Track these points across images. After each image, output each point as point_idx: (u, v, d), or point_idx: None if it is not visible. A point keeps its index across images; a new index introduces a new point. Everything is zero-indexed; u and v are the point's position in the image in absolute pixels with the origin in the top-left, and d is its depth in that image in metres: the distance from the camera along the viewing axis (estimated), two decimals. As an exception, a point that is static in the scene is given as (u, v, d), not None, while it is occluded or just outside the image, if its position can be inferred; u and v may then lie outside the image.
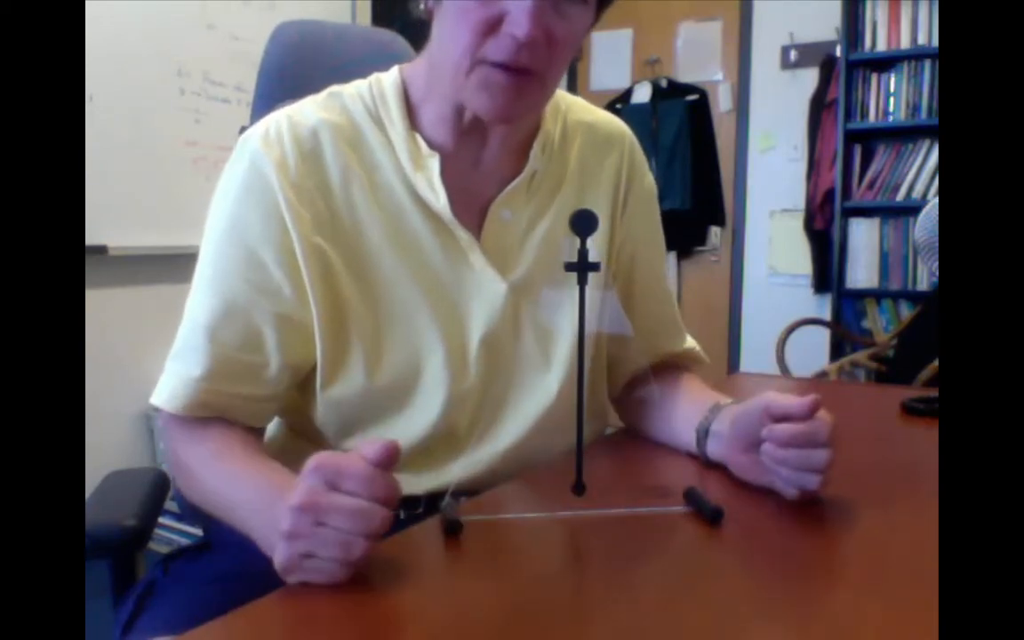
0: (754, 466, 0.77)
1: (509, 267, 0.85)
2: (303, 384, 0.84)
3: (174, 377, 0.79)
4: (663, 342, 0.99)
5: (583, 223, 0.66)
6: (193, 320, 0.79)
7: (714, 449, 0.84)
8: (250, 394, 0.80)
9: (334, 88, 0.86)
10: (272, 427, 0.89)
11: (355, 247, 0.80)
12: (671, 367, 0.99)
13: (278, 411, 0.86)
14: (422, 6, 0.78)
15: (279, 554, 0.58)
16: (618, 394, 1.01)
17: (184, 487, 0.80)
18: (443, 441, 0.83)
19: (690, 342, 1.02)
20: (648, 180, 0.97)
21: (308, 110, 0.82)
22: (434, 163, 0.81)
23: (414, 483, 0.82)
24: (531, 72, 0.74)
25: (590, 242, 0.66)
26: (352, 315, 0.80)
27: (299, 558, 0.57)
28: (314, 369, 0.81)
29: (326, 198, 0.80)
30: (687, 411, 0.89)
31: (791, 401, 0.72)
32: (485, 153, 0.85)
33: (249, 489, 0.70)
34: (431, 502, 0.81)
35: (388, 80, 0.85)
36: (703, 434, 0.85)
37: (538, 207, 0.88)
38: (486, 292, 0.83)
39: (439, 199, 0.81)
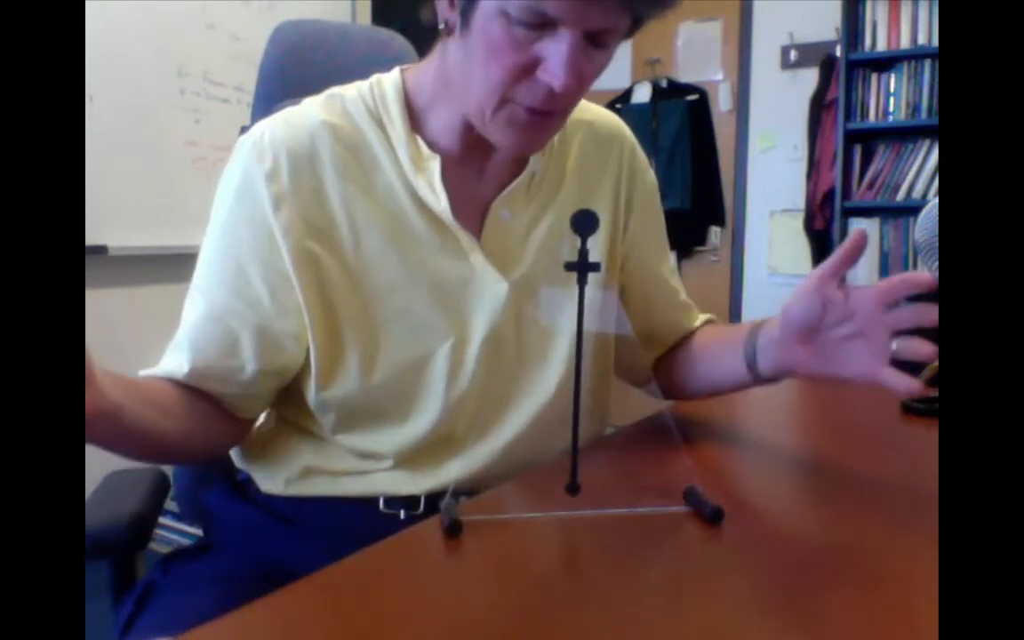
0: (815, 355, 0.76)
1: (510, 267, 0.85)
2: (295, 382, 0.84)
3: (163, 366, 0.81)
4: (685, 320, 1.01)
5: (584, 222, 0.66)
6: (184, 320, 0.82)
7: (766, 361, 0.83)
8: (225, 392, 0.81)
9: (335, 89, 0.86)
10: (263, 417, 0.89)
11: (353, 251, 0.81)
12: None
13: (263, 408, 0.86)
14: (441, 26, 0.77)
15: None
16: (643, 380, 1.03)
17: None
18: (443, 441, 0.83)
19: (704, 316, 1.04)
20: (649, 177, 0.98)
21: (308, 111, 0.83)
22: (435, 165, 0.81)
23: (413, 483, 0.82)
24: (557, 112, 0.76)
25: (591, 242, 0.66)
26: (347, 319, 0.80)
27: None
28: (304, 371, 0.82)
29: (322, 203, 0.80)
30: (726, 346, 0.90)
31: (835, 255, 0.74)
32: (490, 160, 0.85)
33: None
34: (430, 502, 0.81)
35: (389, 82, 0.85)
36: (752, 352, 0.84)
37: (539, 207, 0.88)
38: (488, 292, 0.83)
39: (440, 201, 0.81)
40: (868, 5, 3.30)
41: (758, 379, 0.85)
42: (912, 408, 1.10)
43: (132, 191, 2.51)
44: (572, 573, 0.62)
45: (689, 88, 3.87)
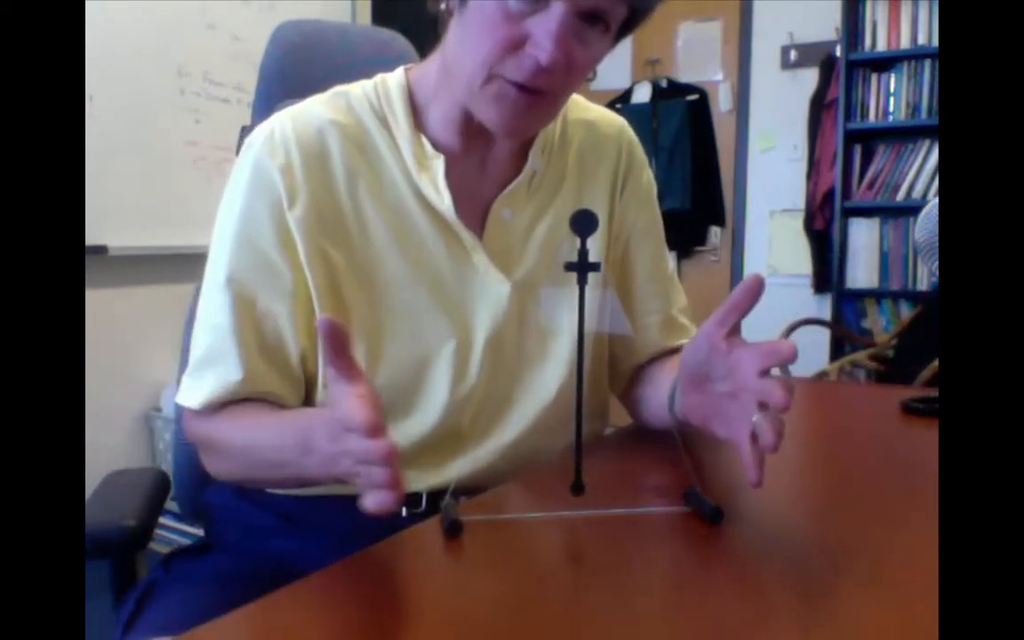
0: (702, 406, 0.71)
1: (512, 266, 0.85)
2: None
3: (212, 381, 0.79)
4: (660, 339, 0.97)
5: (583, 223, 0.66)
6: (215, 325, 0.80)
7: (678, 404, 0.78)
8: (282, 389, 0.81)
9: (339, 88, 0.86)
10: None
11: (360, 248, 0.81)
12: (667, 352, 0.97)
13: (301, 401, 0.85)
14: (443, 6, 0.78)
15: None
16: (622, 391, 1.01)
17: (220, 466, 0.81)
18: (446, 439, 0.83)
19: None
20: (646, 175, 0.97)
21: (314, 110, 0.83)
22: (439, 164, 0.82)
23: (416, 481, 0.82)
24: (545, 93, 0.75)
25: (590, 241, 0.66)
26: (355, 316, 0.80)
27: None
28: (312, 367, 0.82)
29: (332, 199, 0.81)
30: (666, 378, 0.86)
31: (730, 297, 0.66)
32: (490, 156, 0.85)
33: (291, 427, 0.72)
34: (433, 500, 0.81)
35: (393, 81, 0.86)
36: (672, 393, 0.80)
37: (539, 206, 0.88)
38: (490, 292, 0.84)
39: (443, 200, 0.81)
40: (868, 5, 3.30)
41: (677, 420, 0.80)
42: (912, 408, 1.10)
43: (132, 191, 2.50)
44: (572, 573, 0.62)
45: (689, 88, 3.87)
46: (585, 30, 0.73)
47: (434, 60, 0.84)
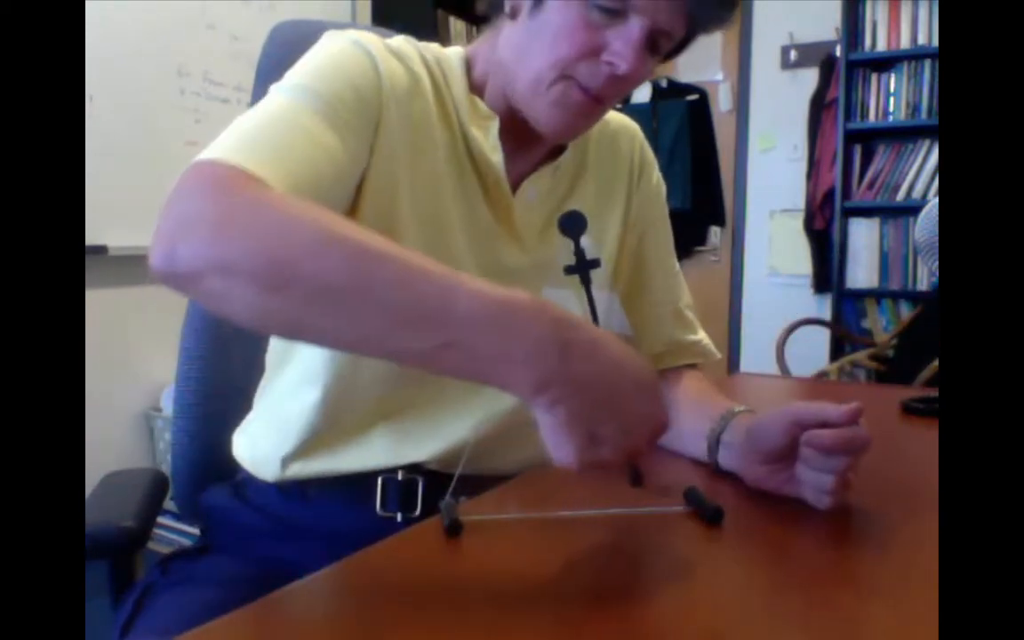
0: (773, 476, 0.74)
1: (531, 247, 0.87)
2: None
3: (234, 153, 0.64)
4: (670, 330, 0.99)
5: (572, 224, 0.67)
6: (260, 113, 0.71)
7: (726, 459, 0.81)
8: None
9: (391, 42, 0.84)
10: (307, 404, 0.83)
11: (419, 176, 0.80)
12: (675, 367, 0.99)
13: None
14: (507, 8, 0.79)
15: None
16: None
17: (250, 244, 0.55)
18: (450, 402, 0.83)
19: (700, 335, 1.02)
20: (656, 175, 1.01)
21: (404, 49, 0.82)
22: (494, 124, 0.83)
23: (414, 448, 0.82)
24: (604, 101, 0.78)
25: (606, 235, 0.67)
26: (403, 238, 0.78)
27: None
28: None
29: (405, 136, 0.79)
30: (695, 418, 0.87)
31: (825, 407, 0.71)
32: (525, 148, 0.86)
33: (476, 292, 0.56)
34: (428, 502, 0.81)
35: (451, 50, 0.87)
36: (715, 443, 0.83)
37: (562, 194, 0.91)
38: (513, 259, 0.85)
39: (496, 155, 0.82)
40: (868, 5, 3.31)
41: (716, 467, 0.83)
42: (912, 408, 1.10)
43: (132, 191, 2.50)
44: (572, 573, 0.62)
45: (689, 88, 3.87)
46: (646, 51, 0.76)
47: (481, 51, 0.85)
